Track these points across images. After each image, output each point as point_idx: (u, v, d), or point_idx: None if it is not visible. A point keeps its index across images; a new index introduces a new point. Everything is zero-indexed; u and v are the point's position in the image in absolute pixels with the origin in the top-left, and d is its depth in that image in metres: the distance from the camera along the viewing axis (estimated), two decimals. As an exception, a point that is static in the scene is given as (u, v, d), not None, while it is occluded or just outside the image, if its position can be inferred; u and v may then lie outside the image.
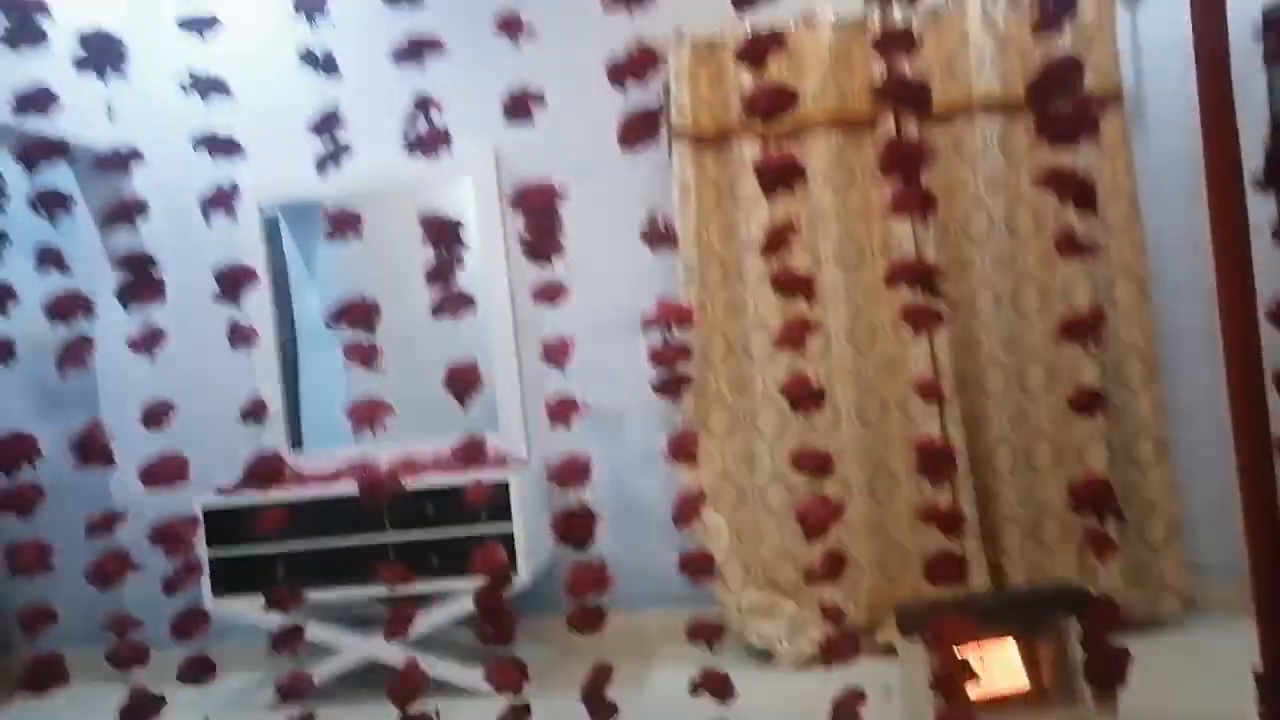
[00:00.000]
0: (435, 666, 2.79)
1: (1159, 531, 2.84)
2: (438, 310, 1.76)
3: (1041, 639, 2.16)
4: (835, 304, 2.97)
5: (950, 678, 1.59)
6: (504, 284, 3.23)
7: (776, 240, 1.52)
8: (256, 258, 3.29)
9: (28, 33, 1.54)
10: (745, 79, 2.94)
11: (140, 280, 1.79)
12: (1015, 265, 2.93)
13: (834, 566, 1.66)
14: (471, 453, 1.90)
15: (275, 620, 2.66)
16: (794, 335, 1.57)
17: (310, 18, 1.65)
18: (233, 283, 1.83)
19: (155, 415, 1.86)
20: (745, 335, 3.06)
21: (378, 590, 2.80)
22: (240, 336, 1.90)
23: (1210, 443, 2.88)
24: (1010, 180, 2.92)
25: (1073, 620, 2.08)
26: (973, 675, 1.60)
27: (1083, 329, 1.46)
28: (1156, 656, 2.24)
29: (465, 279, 1.79)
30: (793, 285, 1.49)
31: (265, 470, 1.88)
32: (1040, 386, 2.91)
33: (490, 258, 3.21)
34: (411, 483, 2.67)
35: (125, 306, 1.79)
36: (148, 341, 1.86)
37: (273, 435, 3.27)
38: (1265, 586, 1.36)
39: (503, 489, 2.84)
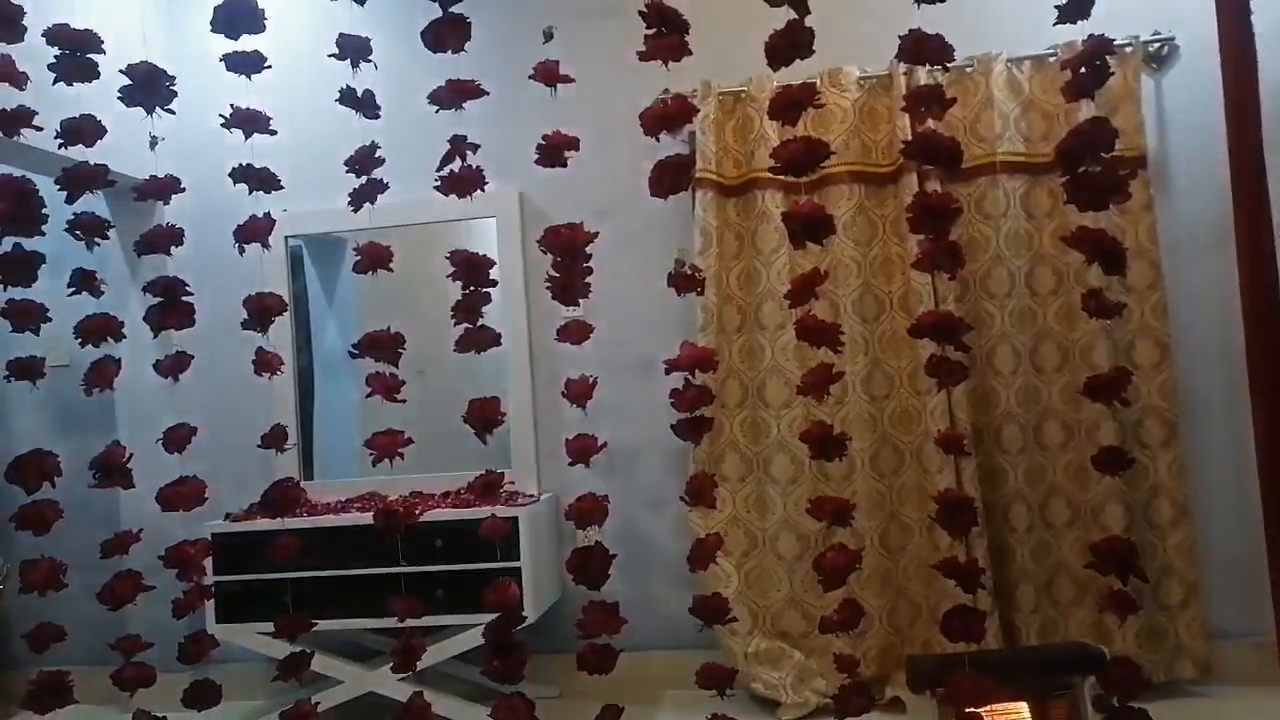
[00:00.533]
0: (439, 703, 2.75)
1: (1176, 594, 2.80)
2: (463, 345, 1.78)
3: (1055, 700, 2.13)
4: (853, 354, 2.97)
5: (965, 736, 1.57)
6: (523, 322, 3.26)
7: (804, 289, 1.53)
8: (280, 288, 3.31)
9: (79, 66, 1.58)
10: (770, 129, 2.98)
11: (170, 305, 1.81)
12: (1035, 322, 2.93)
13: (851, 615, 1.65)
14: (490, 488, 1.90)
15: (276, 648, 2.65)
16: (817, 383, 1.57)
17: (355, 62, 1.69)
18: (262, 311, 1.85)
19: (177, 439, 1.87)
20: (761, 381, 3.06)
21: (381, 622, 2.78)
22: (265, 364, 1.91)
23: (1228, 507, 2.85)
24: (1032, 238, 2.94)
25: (1088, 682, 2.04)
26: (988, 735, 1.57)
27: (1108, 388, 1.47)
28: (1173, 723, 2.20)
29: (485, 315, 1.81)
30: (819, 334, 1.50)
31: (284, 497, 1.89)
32: (1057, 444, 2.90)
33: (510, 296, 3.24)
34: (421, 516, 2.66)
35: (154, 331, 1.81)
36: (174, 366, 1.88)
37: (285, 464, 3.27)
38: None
39: (512, 525, 2.83)
